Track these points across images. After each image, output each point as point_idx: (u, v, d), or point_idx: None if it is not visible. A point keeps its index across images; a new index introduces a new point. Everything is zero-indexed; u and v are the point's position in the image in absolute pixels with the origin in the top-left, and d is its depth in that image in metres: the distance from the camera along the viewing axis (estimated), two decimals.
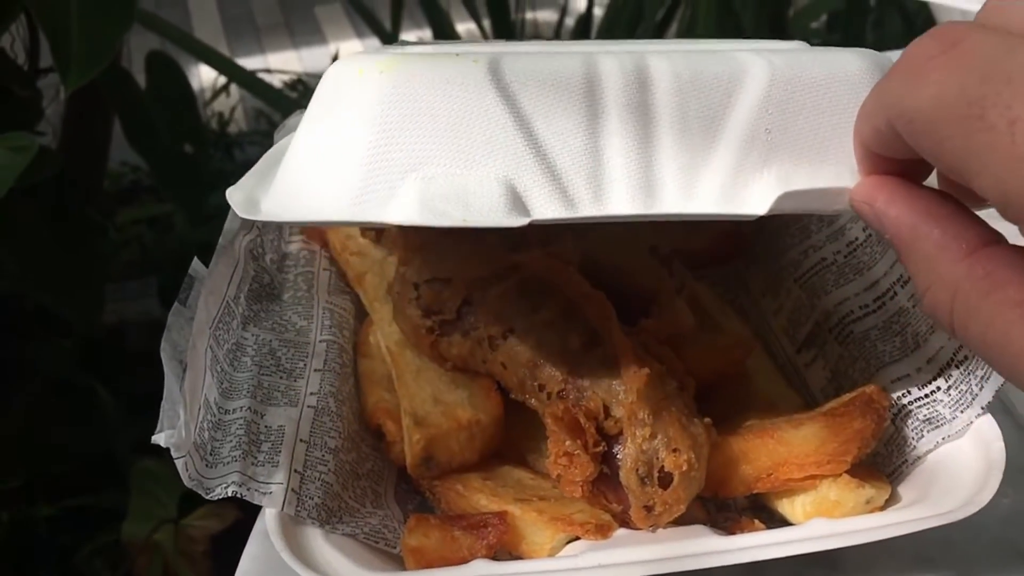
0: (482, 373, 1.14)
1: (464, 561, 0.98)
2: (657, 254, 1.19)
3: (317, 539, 0.98)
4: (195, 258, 1.14)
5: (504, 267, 1.10)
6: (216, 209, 3.97)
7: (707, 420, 1.02)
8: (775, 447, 1.01)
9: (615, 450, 0.98)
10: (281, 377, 1.11)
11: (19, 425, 2.87)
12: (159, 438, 0.96)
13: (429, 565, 0.98)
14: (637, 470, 0.96)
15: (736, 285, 1.40)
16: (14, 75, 2.85)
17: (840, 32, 4.10)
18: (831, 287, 1.22)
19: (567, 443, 0.98)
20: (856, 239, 1.22)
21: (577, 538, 1.00)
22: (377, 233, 1.25)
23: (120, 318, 3.43)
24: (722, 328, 1.26)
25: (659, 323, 1.12)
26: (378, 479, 1.11)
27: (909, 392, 1.07)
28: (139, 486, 2.72)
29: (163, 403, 0.99)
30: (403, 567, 1.01)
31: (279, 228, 1.32)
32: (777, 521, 1.06)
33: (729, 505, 1.12)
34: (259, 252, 1.24)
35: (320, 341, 1.17)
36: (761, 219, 0.83)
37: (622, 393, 0.99)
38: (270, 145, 3.71)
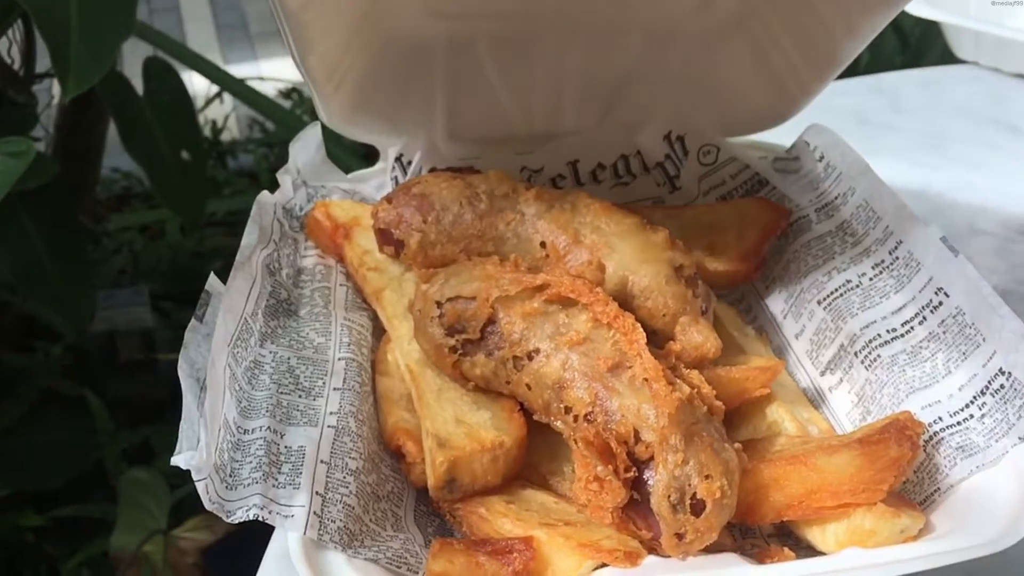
0: (504, 394, 1.12)
1: None
2: (682, 274, 1.17)
3: (340, 564, 0.95)
4: (212, 274, 1.12)
5: (530, 287, 1.08)
6: (209, 217, 3.95)
7: (737, 445, 1.00)
8: (808, 474, 0.99)
9: (646, 476, 0.96)
10: (300, 396, 1.09)
11: (8, 434, 2.83)
12: (179, 460, 0.93)
13: None
14: (669, 497, 0.94)
15: (755, 306, 1.38)
16: (10, 80, 2.82)
17: None
18: (857, 309, 1.20)
19: (599, 468, 0.96)
20: (882, 261, 1.21)
21: (604, 565, 0.98)
22: (396, 248, 1.23)
23: (111, 326, 3.38)
24: (744, 350, 1.24)
25: (686, 346, 1.10)
26: (398, 501, 1.09)
27: (940, 419, 1.06)
28: (128, 496, 2.68)
29: (182, 423, 0.97)
30: None
31: (295, 242, 1.30)
32: (804, 549, 1.04)
33: (754, 531, 1.10)
34: (275, 267, 1.22)
35: (339, 359, 1.15)
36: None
37: (652, 417, 0.97)
38: (264, 153, 3.67)
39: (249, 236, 1.19)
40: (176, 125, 2.98)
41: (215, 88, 4.58)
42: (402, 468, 1.11)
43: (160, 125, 2.94)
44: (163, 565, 2.60)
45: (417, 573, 1.00)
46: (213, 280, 1.12)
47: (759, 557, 0.99)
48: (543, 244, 1.20)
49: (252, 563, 2.69)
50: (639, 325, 1.04)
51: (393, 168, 1.39)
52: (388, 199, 1.24)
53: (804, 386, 1.25)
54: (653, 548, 0.99)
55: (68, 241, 2.67)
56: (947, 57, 3.61)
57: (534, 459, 1.12)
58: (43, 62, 3.00)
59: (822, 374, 1.24)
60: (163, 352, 3.36)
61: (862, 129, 1.36)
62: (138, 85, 2.89)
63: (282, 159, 4.32)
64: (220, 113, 4.72)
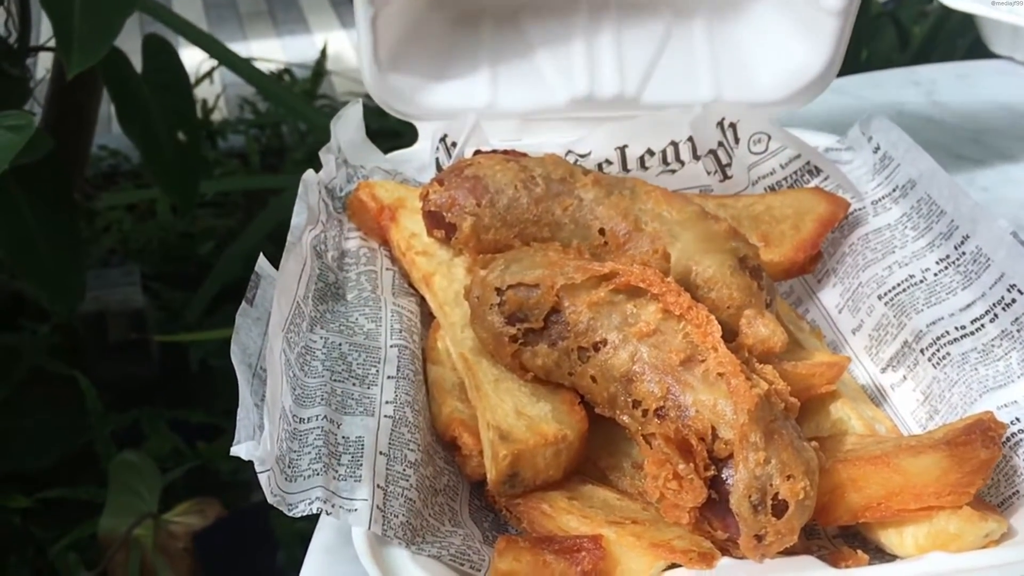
0: (564, 386, 1.08)
1: None
2: (746, 265, 1.13)
3: (405, 561, 0.91)
4: (260, 255, 1.07)
5: (597, 275, 1.04)
6: (200, 198, 3.88)
7: (814, 444, 0.97)
8: (890, 475, 0.95)
9: (724, 474, 0.93)
10: (354, 384, 1.04)
11: None
12: (239, 450, 0.89)
13: None
14: (750, 497, 0.91)
15: (806, 300, 1.34)
16: (4, 52, 2.75)
17: None
18: (922, 306, 1.17)
19: (680, 466, 0.92)
20: (947, 256, 1.18)
21: (674, 566, 0.94)
22: (447, 232, 1.18)
23: (100, 306, 3.33)
24: (802, 345, 1.21)
25: (754, 340, 1.06)
26: (453, 495, 1.04)
27: (1018, 420, 1.02)
28: (118, 479, 2.63)
29: (239, 411, 0.92)
30: None
31: (340, 223, 1.25)
32: (872, 551, 1.00)
33: (818, 533, 1.06)
34: (322, 249, 1.18)
35: (391, 346, 1.10)
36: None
37: (730, 413, 0.93)
38: (254, 135, 3.65)
39: (298, 216, 1.14)
40: (173, 104, 2.92)
41: (204, 68, 4.53)
42: (456, 460, 1.07)
43: (157, 104, 2.87)
44: (153, 549, 2.55)
45: (480, 571, 0.96)
46: (262, 262, 1.07)
47: (831, 560, 0.96)
48: (602, 231, 1.16)
49: (243, 548, 2.64)
50: (713, 318, 1.00)
51: (436, 149, 1.34)
52: (439, 181, 1.20)
53: (863, 383, 1.21)
54: (726, 549, 0.95)
55: (61, 219, 2.61)
56: (949, 55, 3.59)
57: (592, 453, 1.08)
58: (35, 35, 2.94)
59: (883, 371, 1.21)
60: (153, 332, 3.30)
61: (900, 122, 1.33)
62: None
63: (273, 141, 4.25)
64: (210, 93, 4.65)
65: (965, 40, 3.53)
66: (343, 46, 5.77)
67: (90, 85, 3.01)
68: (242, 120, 4.64)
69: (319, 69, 4.73)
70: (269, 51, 5.49)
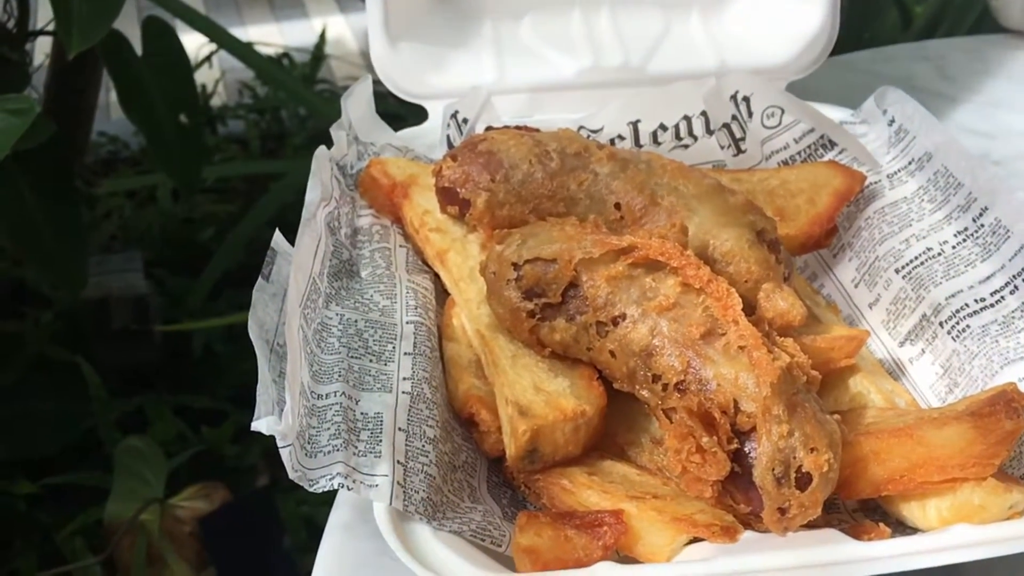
0: (583, 361, 1.07)
1: (580, 563, 0.91)
2: (764, 239, 1.12)
3: (427, 537, 0.90)
4: (276, 231, 1.06)
5: (614, 249, 1.03)
6: (200, 184, 3.86)
7: (836, 416, 0.96)
8: (913, 447, 0.94)
9: (747, 448, 0.92)
10: (371, 360, 1.04)
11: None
12: (259, 425, 0.88)
13: (545, 567, 0.91)
14: (773, 470, 0.90)
15: (821, 274, 1.34)
16: (3, 37, 2.74)
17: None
18: (940, 278, 1.16)
19: (704, 439, 0.91)
20: (966, 228, 1.17)
21: (695, 540, 0.94)
22: (461, 209, 1.17)
23: (103, 292, 3.31)
24: (819, 319, 1.20)
25: (773, 314, 1.05)
26: (472, 471, 1.04)
27: None
28: (124, 464, 2.62)
29: (258, 387, 0.92)
30: (511, 567, 0.93)
31: (352, 200, 1.24)
32: (893, 524, 1.00)
33: (838, 507, 1.05)
34: (335, 225, 1.17)
35: (407, 323, 1.10)
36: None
37: (752, 386, 0.92)
38: (254, 120, 3.64)
39: (312, 192, 1.13)
40: (174, 88, 2.90)
41: (202, 53, 4.50)
42: (474, 437, 1.07)
43: (159, 87, 2.85)
44: (159, 534, 2.54)
45: (500, 546, 0.96)
46: (278, 238, 1.06)
47: (853, 533, 0.95)
48: (617, 205, 1.15)
49: (249, 532, 2.63)
50: (734, 290, 0.99)
51: (448, 125, 1.33)
52: (453, 156, 1.18)
53: (880, 357, 1.21)
54: (748, 523, 0.95)
55: (63, 204, 2.59)
56: (953, 33, 3.57)
57: (611, 429, 1.08)
58: (33, 20, 2.92)
59: (901, 344, 1.20)
60: (156, 318, 3.29)
61: (912, 97, 1.32)
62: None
63: (273, 126, 4.22)
64: (209, 78, 4.62)
65: (970, 16, 3.51)
66: (342, 30, 5.74)
67: (89, 70, 2.99)
68: (241, 105, 4.61)
69: (318, 53, 4.71)
70: (267, 36, 5.46)
